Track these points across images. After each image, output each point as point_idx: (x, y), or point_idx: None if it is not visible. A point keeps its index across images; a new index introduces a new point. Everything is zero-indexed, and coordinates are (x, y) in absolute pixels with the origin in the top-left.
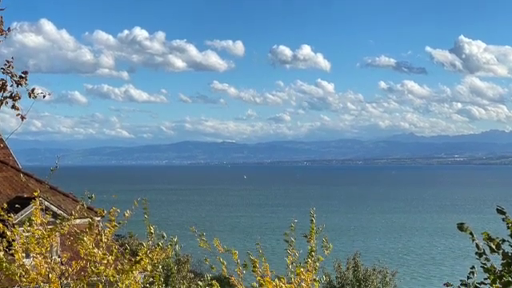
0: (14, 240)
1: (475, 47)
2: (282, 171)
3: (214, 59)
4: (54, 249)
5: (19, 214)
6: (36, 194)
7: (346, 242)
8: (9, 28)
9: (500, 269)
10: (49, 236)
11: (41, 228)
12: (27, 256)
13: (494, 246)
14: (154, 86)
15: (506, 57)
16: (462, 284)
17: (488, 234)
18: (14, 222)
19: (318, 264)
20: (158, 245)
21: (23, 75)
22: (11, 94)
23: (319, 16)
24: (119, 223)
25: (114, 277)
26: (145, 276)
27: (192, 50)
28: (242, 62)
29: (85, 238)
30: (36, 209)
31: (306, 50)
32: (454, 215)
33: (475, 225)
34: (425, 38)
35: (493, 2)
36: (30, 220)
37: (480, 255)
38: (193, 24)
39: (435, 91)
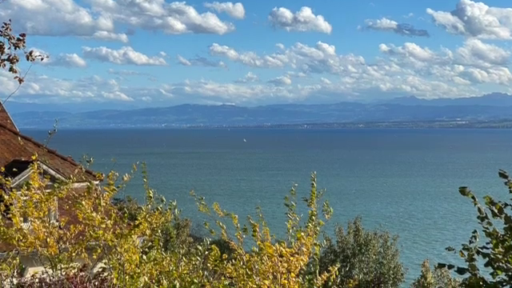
0: (11, 204)
1: (477, 9)
2: (283, 134)
3: (213, 21)
4: (52, 213)
5: (17, 178)
6: (34, 157)
7: (346, 206)
8: None
9: (502, 233)
10: (47, 200)
11: (39, 192)
12: (25, 220)
13: (496, 210)
14: (153, 49)
15: (508, 19)
16: (464, 248)
17: (490, 198)
18: (12, 185)
19: (318, 228)
20: (157, 209)
21: (21, 38)
22: (9, 57)
23: None
24: (118, 187)
25: (113, 241)
26: (144, 240)
27: (191, 12)
28: (242, 25)
29: (83, 202)
30: (34, 172)
31: (306, 12)
32: (456, 179)
33: (477, 189)
34: None
35: None
36: (27, 184)
37: (482, 219)
38: None
39: (437, 54)
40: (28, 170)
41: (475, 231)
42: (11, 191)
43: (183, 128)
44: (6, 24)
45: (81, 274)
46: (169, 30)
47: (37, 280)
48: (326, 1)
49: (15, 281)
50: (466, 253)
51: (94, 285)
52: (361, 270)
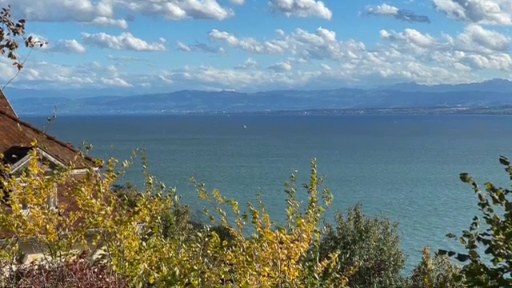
0: (10, 190)
1: None
2: (283, 121)
3: (213, 7)
4: (52, 199)
5: (16, 164)
6: (33, 143)
7: (347, 193)
8: None
9: (503, 219)
10: (46, 186)
11: (38, 178)
12: (24, 207)
13: (497, 197)
14: (153, 35)
15: (509, 5)
16: (464, 235)
17: (491, 185)
18: (11, 172)
19: (318, 215)
20: (157, 195)
21: (20, 24)
22: (8, 43)
23: None
24: (117, 173)
25: (112, 228)
26: (143, 227)
27: None
28: (242, 10)
29: (82, 189)
30: (33, 159)
31: None
32: (457, 165)
33: (478, 175)
34: None
35: None
36: (27, 170)
37: (483, 206)
38: None
39: (437, 40)
40: (27, 156)
41: (476, 218)
42: (10, 177)
43: (183, 114)
44: (5, 10)
45: (80, 260)
46: (168, 16)
47: (36, 267)
48: None
49: (14, 267)
50: (466, 239)
51: (94, 272)
52: (361, 256)
